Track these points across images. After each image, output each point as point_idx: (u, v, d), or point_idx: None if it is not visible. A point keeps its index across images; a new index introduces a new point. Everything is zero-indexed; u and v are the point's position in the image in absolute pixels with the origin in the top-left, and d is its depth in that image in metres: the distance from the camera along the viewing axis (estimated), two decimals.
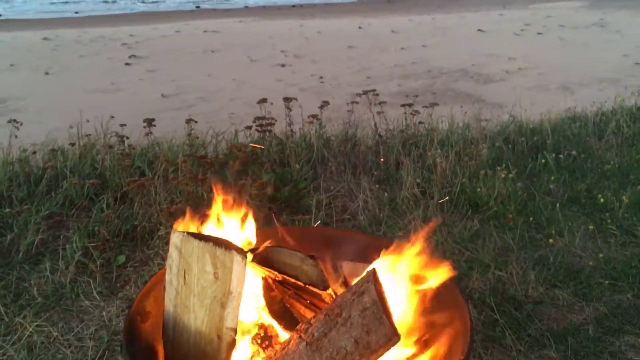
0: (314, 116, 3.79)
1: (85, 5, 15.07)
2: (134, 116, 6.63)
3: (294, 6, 15.45)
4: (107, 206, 3.06)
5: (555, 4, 15.11)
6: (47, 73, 8.23)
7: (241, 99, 7.37)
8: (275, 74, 8.45)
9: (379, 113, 3.92)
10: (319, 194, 3.21)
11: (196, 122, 3.62)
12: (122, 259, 2.78)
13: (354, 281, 1.73)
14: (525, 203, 3.32)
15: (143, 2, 16.26)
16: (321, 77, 8.22)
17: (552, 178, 3.54)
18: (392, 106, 6.89)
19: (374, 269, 1.66)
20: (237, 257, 1.64)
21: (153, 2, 15.86)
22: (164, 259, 2.72)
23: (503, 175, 3.36)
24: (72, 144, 3.48)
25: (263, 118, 3.64)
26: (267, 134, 3.64)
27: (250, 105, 7.09)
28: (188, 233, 1.76)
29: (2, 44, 9.84)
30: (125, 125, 3.63)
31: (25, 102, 7.09)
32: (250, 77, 8.27)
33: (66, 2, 15.73)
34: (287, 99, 3.85)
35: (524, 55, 9.33)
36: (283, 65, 8.85)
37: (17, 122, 3.46)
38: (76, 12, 14.12)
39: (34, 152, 3.46)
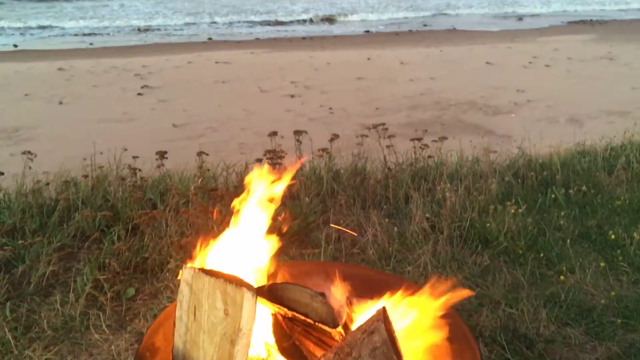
0: (324, 149, 3.83)
1: (100, 37, 15.39)
2: (145, 145, 6.75)
3: (304, 38, 15.68)
4: (118, 238, 3.08)
5: (562, 37, 15.24)
6: (60, 102, 8.37)
7: (251, 129, 7.45)
8: (284, 104, 8.54)
9: (388, 147, 3.95)
10: (328, 227, 3.22)
11: (207, 154, 3.66)
12: (131, 291, 2.79)
13: (364, 319, 1.72)
14: (536, 239, 3.31)
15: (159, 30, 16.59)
16: (330, 108, 8.30)
17: (562, 213, 3.53)
18: (401, 137, 6.95)
19: (384, 307, 1.66)
20: (247, 294, 1.65)
21: (166, 34, 16.18)
22: (173, 292, 2.72)
23: (513, 211, 3.36)
24: (85, 176, 3.53)
25: (273, 151, 3.68)
26: (277, 166, 3.67)
27: (260, 135, 7.19)
28: (199, 269, 1.77)
29: (18, 74, 10.04)
30: (137, 157, 3.67)
31: (38, 131, 7.20)
32: (260, 107, 8.37)
33: (83, 35, 16.08)
34: (297, 132, 3.89)
35: (532, 87, 9.38)
36: (292, 96, 8.95)
37: (32, 154, 3.51)
38: (91, 44, 14.41)
39: (47, 184, 3.51)
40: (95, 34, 15.64)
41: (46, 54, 12.71)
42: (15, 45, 13.99)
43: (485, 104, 8.55)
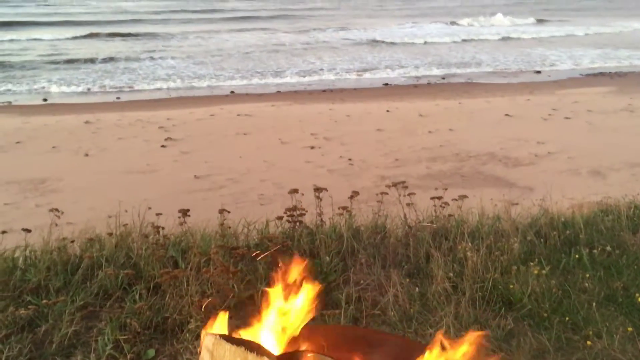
0: (344, 208, 3.85)
1: (127, 91, 15.90)
2: (167, 197, 6.87)
3: (324, 91, 15.97)
4: (140, 297, 3.10)
5: (582, 90, 15.28)
6: (86, 155, 8.58)
7: (271, 180, 7.53)
8: (304, 156, 8.64)
9: (408, 205, 3.95)
10: (349, 287, 3.20)
11: (229, 212, 3.71)
12: (151, 352, 2.79)
13: None
14: (561, 301, 3.24)
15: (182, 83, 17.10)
16: (350, 159, 8.36)
17: (587, 275, 3.46)
18: (421, 189, 6.95)
19: None
20: None
21: (190, 88, 16.65)
22: (192, 353, 2.71)
23: (536, 271, 3.31)
24: (110, 234, 3.59)
25: (294, 209, 3.71)
26: (298, 224, 3.69)
27: (280, 187, 7.27)
28: (220, 336, 1.78)
29: (46, 127, 10.36)
30: (161, 214, 3.74)
31: (63, 182, 7.38)
32: (281, 159, 8.48)
33: (111, 88, 16.62)
34: (317, 189, 3.93)
35: (552, 139, 9.38)
36: (312, 147, 9.05)
37: (58, 211, 3.59)
38: (117, 98, 14.86)
39: (72, 241, 3.57)
40: (123, 90, 16.18)
41: (74, 107, 13.13)
42: (45, 99, 14.49)
43: (505, 155, 8.55)
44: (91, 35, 28.16)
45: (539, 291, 3.19)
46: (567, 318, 3.12)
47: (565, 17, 44.97)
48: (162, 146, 9.07)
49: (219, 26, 34.98)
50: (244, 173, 7.83)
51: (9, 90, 15.88)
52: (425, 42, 28.29)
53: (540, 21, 42.42)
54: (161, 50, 24.04)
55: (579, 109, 12.03)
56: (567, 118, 11.10)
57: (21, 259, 3.44)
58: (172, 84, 16.90)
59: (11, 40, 25.86)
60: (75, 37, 27.45)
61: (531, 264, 3.37)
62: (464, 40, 29.04)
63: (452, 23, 39.64)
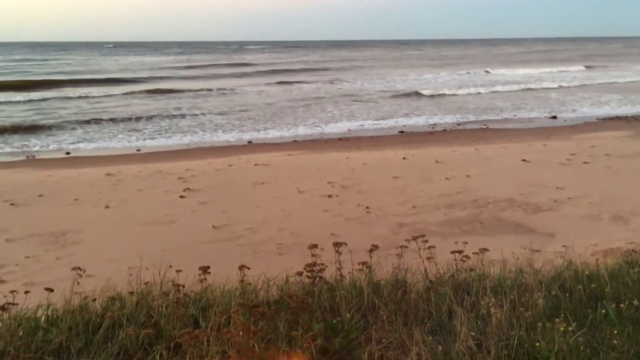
0: (363, 263, 3.82)
1: (147, 143, 16.26)
2: (185, 248, 6.90)
3: (340, 139, 16.15)
4: (161, 357, 3.07)
5: (599, 134, 15.25)
6: (107, 207, 8.70)
7: (289, 229, 7.53)
8: (322, 205, 8.66)
9: (428, 258, 3.92)
10: (371, 345, 3.14)
11: (249, 268, 3.71)
12: None
13: None
14: (589, 359, 3.14)
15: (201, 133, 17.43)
16: (367, 207, 8.36)
17: (615, 331, 3.36)
18: (439, 236, 6.89)
19: None
20: None
21: (209, 139, 16.98)
22: None
23: (562, 328, 3.22)
24: (131, 293, 3.60)
25: (314, 264, 3.70)
26: (318, 279, 3.67)
27: (298, 236, 7.27)
28: None
29: (69, 180, 10.57)
30: (180, 271, 3.75)
31: (84, 234, 7.47)
32: (298, 208, 8.51)
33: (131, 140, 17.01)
34: (337, 244, 3.91)
35: (572, 184, 9.31)
36: (330, 196, 9.08)
37: (80, 270, 3.62)
38: (138, 150, 15.17)
39: (94, 300, 3.58)
40: (144, 141, 16.57)
41: (96, 160, 13.43)
42: (68, 153, 14.84)
43: (524, 201, 8.49)
44: (132, 93, 29.21)
45: (566, 349, 3.10)
46: None
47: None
48: (181, 197, 9.18)
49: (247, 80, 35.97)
50: (261, 222, 7.86)
51: (32, 143, 16.33)
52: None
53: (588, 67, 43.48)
54: (190, 106, 24.67)
55: (597, 153, 11.98)
56: (585, 163, 11.04)
57: (43, 318, 3.45)
58: (191, 137, 17.30)
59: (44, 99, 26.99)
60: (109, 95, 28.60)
61: (557, 320, 3.28)
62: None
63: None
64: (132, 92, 29.45)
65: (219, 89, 31.09)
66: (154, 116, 21.16)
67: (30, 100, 26.23)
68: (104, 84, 34.55)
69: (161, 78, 39.53)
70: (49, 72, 44.20)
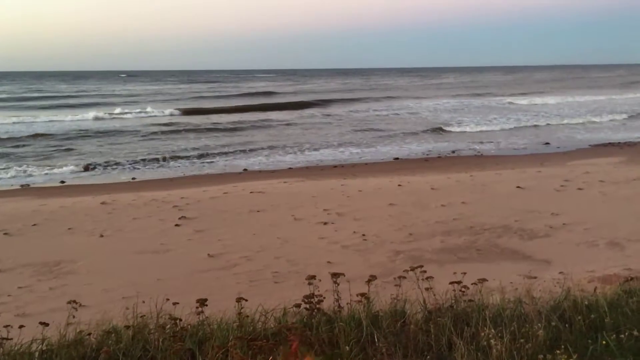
0: (362, 294, 3.78)
1: (142, 172, 16.26)
2: (181, 277, 6.82)
3: (335, 166, 16.19)
4: None
5: (592, 161, 15.36)
6: (101, 235, 8.64)
7: (285, 257, 7.47)
8: (318, 232, 8.62)
9: (427, 289, 3.88)
10: None
11: (246, 300, 3.66)
12: None
13: None
14: None
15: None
16: (363, 235, 8.32)
17: None
18: (436, 264, 6.85)
19: None
20: None
21: (203, 166, 17.01)
22: None
23: None
24: (127, 327, 3.53)
25: (312, 296, 3.65)
26: (316, 311, 3.62)
27: (294, 264, 7.21)
28: None
29: (64, 209, 10.50)
30: (177, 303, 3.69)
31: (78, 264, 7.37)
32: (294, 235, 8.46)
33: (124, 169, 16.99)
34: (334, 275, 3.88)
35: (567, 210, 9.32)
36: (326, 223, 9.05)
37: (76, 303, 3.56)
38: (133, 178, 15.15)
39: (89, 334, 3.51)
40: (139, 169, 16.56)
41: (91, 188, 13.38)
42: (63, 182, 14.79)
43: (520, 227, 8.48)
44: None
45: None
46: None
47: None
48: (176, 225, 9.12)
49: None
50: (257, 251, 7.80)
51: (26, 172, 16.29)
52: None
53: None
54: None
55: (591, 179, 12.03)
56: (579, 189, 11.08)
57: (37, 353, 3.37)
58: (187, 163, 17.36)
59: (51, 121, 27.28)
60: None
61: (557, 351, 3.24)
62: None
63: None
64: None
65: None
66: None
67: None
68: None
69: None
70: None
